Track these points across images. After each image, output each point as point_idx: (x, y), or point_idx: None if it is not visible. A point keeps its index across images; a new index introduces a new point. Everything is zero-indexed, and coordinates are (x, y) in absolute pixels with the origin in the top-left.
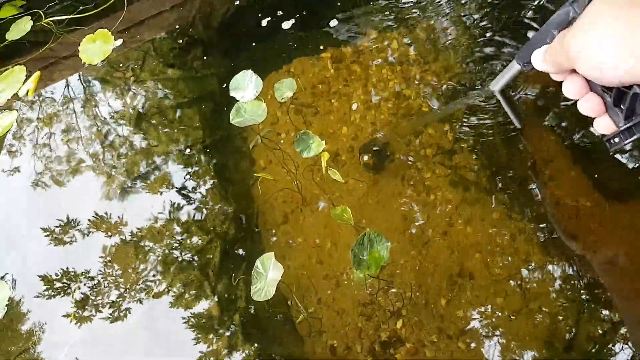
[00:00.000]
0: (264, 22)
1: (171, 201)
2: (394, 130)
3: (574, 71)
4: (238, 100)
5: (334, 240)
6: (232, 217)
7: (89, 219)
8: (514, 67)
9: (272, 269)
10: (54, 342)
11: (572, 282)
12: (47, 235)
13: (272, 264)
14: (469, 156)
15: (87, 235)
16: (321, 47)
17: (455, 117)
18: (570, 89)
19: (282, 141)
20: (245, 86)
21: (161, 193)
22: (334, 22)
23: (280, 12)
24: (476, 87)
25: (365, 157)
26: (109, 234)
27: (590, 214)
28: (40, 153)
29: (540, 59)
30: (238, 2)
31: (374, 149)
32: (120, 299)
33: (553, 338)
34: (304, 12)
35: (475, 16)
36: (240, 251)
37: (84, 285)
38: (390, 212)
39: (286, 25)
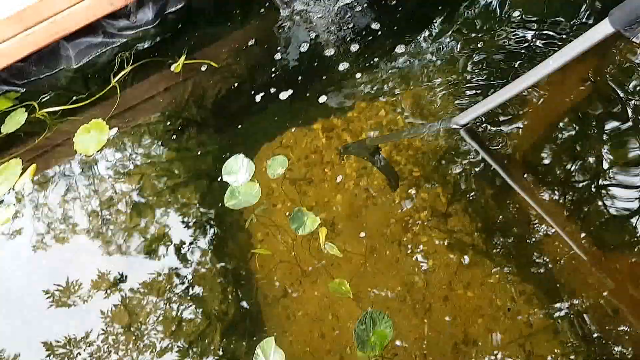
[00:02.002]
0: (257, 98)
1: (170, 283)
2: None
3: None
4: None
5: (335, 312)
6: (231, 294)
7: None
8: (495, 101)
9: (273, 356)
10: None
11: (576, 342)
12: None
13: (273, 350)
14: (463, 218)
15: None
16: (312, 119)
17: (443, 174)
18: None
19: (277, 212)
20: (238, 170)
21: (160, 276)
22: (322, 98)
23: (272, 89)
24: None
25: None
26: (107, 328)
27: (588, 268)
28: (38, 246)
29: None
30: (229, 82)
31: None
32: None
33: None
34: (294, 89)
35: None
36: (241, 330)
37: None
38: (390, 280)
39: (283, 95)
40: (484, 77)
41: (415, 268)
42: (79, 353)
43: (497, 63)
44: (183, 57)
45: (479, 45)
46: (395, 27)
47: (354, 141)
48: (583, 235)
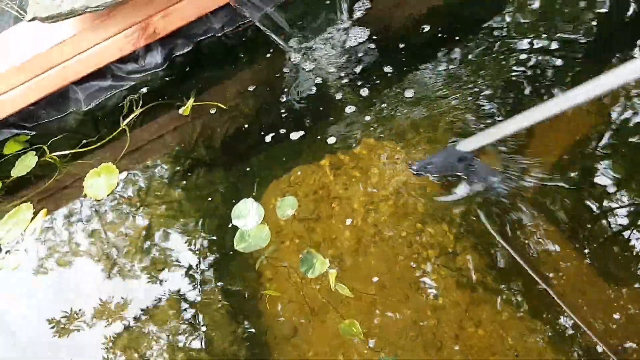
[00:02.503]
0: (267, 138)
1: (178, 325)
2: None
3: None
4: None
5: (346, 352)
6: (241, 335)
7: None
8: (499, 134)
9: None
10: None
11: None
12: None
13: None
14: (472, 255)
15: None
16: (319, 158)
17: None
18: None
19: (286, 250)
20: (247, 214)
21: (168, 318)
22: (330, 139)
23: (280, 130)
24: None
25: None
26: None
27: (596, 302)
28: (48, 291)
29: None
30: (237, 123)
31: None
32: None
33: None
34: (302, 130)
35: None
36: None
37: None
38: (400, 319)
39: (290, 136)
40: (493, 112)
41: (425, 307)
42: None
43: (506, 97)
44: (192, 100)
45: (486, 80)
46: (404, 69)
47: (432, 154)
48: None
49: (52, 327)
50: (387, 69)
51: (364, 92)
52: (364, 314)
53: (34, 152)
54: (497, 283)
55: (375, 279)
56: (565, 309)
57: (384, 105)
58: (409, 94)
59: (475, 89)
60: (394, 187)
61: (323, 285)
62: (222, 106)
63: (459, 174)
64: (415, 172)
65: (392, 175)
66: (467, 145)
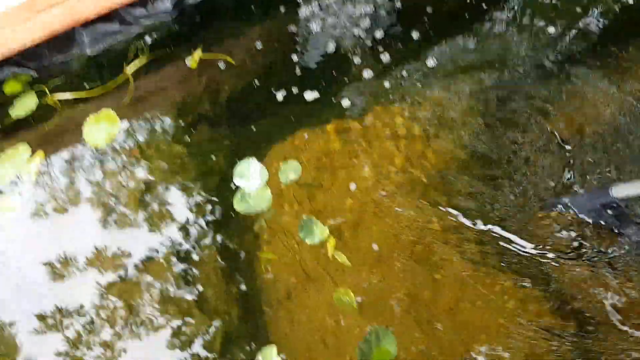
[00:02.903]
0: (278, 96)
1: (173, 280)
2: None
3: None
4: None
5: (338, 320)
6: (235, 295)
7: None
8: None
9: None
10: None
11: None
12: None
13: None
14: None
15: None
16: (326, 121)
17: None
18: None
19: (285, 214)
20: (250, 175)
21: (162, 272)
22: (340, 100)
23: (289, 90)
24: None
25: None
26: (108, 325)
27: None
28: (42, 236)
29: None
30: (245, 80)
31: None
32: None
33: None
34: (311, 90)
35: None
36: (243, 332)
37: None
38: (396, 291)
39: (298, 96)
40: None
41: (423, 280)
42: (71, 324)
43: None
44: (199, 51)
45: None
46: (431, 35)
47: (573, 195)
48: None
49: (46, 271)
50: (414, 35)
51: (385, 57)
52: (360, 284)
53: (35, 94)
54: (500, 264)
55: (374, 249)
56: None
57: (404, 73)
58: (431, 63)
59: (503, 67)
60: (402, 161)
61: (320, 253)
62: (231, 61)
63: (603, 224)
64: (547, 209)
65: (401, 148)
66: (624, 190)
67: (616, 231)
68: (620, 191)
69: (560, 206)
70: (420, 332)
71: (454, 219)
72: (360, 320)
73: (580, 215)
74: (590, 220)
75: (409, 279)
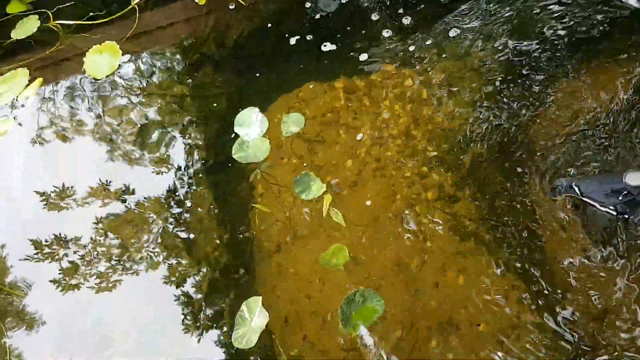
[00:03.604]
0: (292, 41)
1: (165, 221)
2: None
3: None
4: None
5: (324, 276)
6: (226, 243)
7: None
8: None
9: (258, 315)
10: None
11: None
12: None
13: (259, 310)
14: (471, 205)
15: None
16: (335, 76)
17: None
18: None
19: (283, 167)
20: (251, 124)
21: (157, 212)
22: (363, 56)
23: (298, 38)
24: None
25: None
26: (99, 261)
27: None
28: (37, 162)
29: None
30: (254, 24)
31: None
32: None
33: None
34: (322, 40)
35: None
36: (231, 279)
37: None
38: (387, 255)
39: (309, 45)
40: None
41: (414, 246)
42: (65, 255)
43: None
44: None
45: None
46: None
47: (583, 175)
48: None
49: (41, 200)
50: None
51: (406, 20)
52: (351, 245)
53: (37, 17)
54: (490, 237)
55: (369, 212)
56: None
57: (423, 39)
58: (453, 33)
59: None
60: (405, 125)
61: (315, 209)
62: (243, 2)
63: (611, 209)
64: (557, 193)
65: (408, 111)
66: (638, 179)
67: (624, 217)
68: (635, 179)
69: (570, 188)
70: (407, 296)
71: (452, 189)
72: (346, 278)
73: (585, 199)
74: (596, 205)
75: (401, 245)
